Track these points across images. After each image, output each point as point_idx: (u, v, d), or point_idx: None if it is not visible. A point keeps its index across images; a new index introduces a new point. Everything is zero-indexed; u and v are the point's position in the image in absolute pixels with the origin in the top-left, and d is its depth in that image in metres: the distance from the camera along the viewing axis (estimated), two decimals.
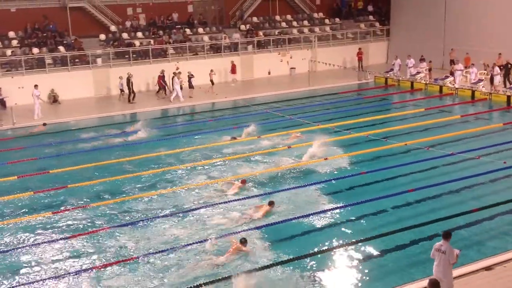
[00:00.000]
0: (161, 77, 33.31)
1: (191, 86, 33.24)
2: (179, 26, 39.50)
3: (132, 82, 32.12)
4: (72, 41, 35.68)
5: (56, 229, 15.54)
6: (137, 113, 29.99)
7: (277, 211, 15.94)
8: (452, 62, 34.07)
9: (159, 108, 31.25)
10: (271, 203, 16.04)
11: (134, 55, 35.89)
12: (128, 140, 24.58)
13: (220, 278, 12.34)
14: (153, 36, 38.17)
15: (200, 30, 40.05)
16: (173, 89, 32.25)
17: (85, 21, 37.36)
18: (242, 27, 41.28)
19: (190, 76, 33.33)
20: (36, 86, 29.24)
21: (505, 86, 30.63)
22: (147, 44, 37.01)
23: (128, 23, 38.69)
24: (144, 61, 35.97)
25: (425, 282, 10.03)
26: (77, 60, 34.70)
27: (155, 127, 26.53)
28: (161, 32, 38.43)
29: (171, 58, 36.46)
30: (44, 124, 27.26)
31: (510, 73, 31.01)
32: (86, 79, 33.87)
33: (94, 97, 33.71)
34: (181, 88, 32.07)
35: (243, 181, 18.12)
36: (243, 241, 13.57)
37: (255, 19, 42.59)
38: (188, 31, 39.37)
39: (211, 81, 34.30)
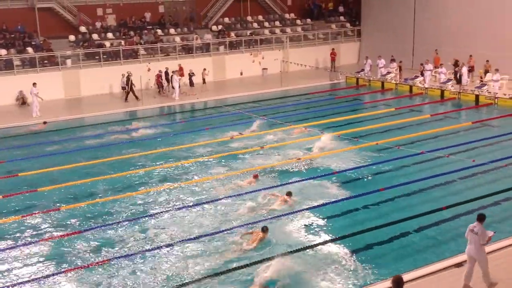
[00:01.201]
0: (159, 76, 33.70)
1: (191, 84, 33.75)
2: (150, 27, 39.21)
3: (132, 81, 32.13)
4: (41, 42, 35.10)
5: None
6: (103, 114, 29.65)
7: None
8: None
9: (127, 110, 31.01)
10: (288, 194, 16.67)
11: (104, 56, 35.48)
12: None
13: (248, 264, 12.93)
14: (123, 37, 37.80)
15: (172, 31, 39.81)
16: (172, 87, 32.69)
17: (54, 22, 36.82)
18: (214, 27, 41.18)
19: (191, 75, 33.83)
20: (34, 84, 29.14)
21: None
22: (118, 45, 36.63)
23: (98, 24, 38.25)
24: (115, 62, 35.59)
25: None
26: (46, 61, 34.12)
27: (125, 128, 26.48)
28: (132, 33, 38.08)
29: (142, 59, 36.15)
30: (45, 123, 27.25)
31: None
32: (56, 80, 33.33)
33: (64, 99, 33.16)
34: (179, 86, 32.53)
35: (256, 176, 18.61)
36: (265, 230, 14.21)
37: (226, 20, 42.53)
38: (159, 31, 39.11)
39: (204, 80, 34.42)
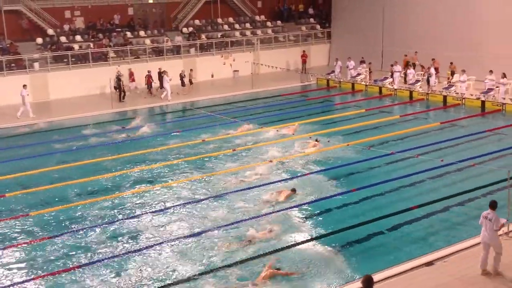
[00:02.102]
0: (150, 76, 33.86)
1: (183, 84, 34.24)
2: (120, 29, 38.85)
3: (122, 81, 32.51)
4: (8, 45, 34.44)
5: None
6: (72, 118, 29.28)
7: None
8: (414, 65, 34.50)
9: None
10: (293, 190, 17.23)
11: (73, 59, 35.02)
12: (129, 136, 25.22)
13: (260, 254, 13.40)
14: (92, 39, 37.37)
15: (142, 33, 39.51)
16: (162, 87, 33.00)
17: (21, 25, 36.17)
18: (184, 30, 41.01)
19: (183, 76, 34.30)
20: (24, 86, 29.22)
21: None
22: (87, 47, 36.19)
23: (66, 27, 37.73)
24: (84, 65, 35.16)
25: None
26: (13, 64, 33.51)
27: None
28: (100, 35, 37.67)
29: (112, 62, 35.78)
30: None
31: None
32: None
33: (33, 103, 32.48)
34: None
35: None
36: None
37: (197, 22, 42.40)
38: (129, 34, 38.78)
39: (190, 80, 34.51)
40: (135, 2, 41.07)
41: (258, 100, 32.78)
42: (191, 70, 34.96)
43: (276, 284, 12.23)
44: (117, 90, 32.59)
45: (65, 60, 34.82)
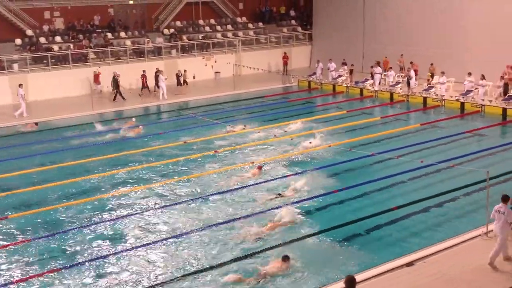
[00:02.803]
0: (145, 76, 34.13)
1: (179, 83, 34.79)
2: (100, 30, 38.55)
3: (118, 81, 32.63)
4: None
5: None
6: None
7: None
8: (402, 68, 34.78)
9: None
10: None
11: (53, 60, 34.67)
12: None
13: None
14: (72, 40, 37.04)
15: (122, 34, 39.27)
16: (158, 87, 33.38)
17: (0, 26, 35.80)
18: (166, 31, 40.85)
19: (179, 75, 34.79)
20: (20, 85, 29.46)
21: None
22: (66, 48, 35.86)
23: (45, 27, 37.35)
24: (64, 66, 34.83)
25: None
26: None
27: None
28: (81, 36, 37.36)
29: (92, 63, 35.50)
30: (36, 124, 27.67)
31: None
32: (2, 85, 32.29)
33: (12, 104, 32.10)
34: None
35: (260, 167, 19.54)
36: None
37: (178, 23, 42.26)
38: (109, 35, 38.51)
39: (185, 81, 35.05)
40: (115, 3, 40.80)
41: (240, 102, 32.76)
42: (184, 70, 35.36)
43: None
44: (114, 90, 32.79)
45: (45, 61, 34.47)
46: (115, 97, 32.75)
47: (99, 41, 37.20)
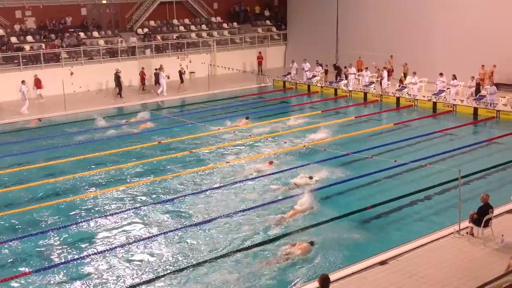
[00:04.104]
0: (143, 73, 34.94)
1: (182, 80, 35.36)
2: (72, 30, 38.07)
3: (120, 77, 33.34)
4: None
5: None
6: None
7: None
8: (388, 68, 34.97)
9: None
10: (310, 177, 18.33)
11: (24, 60, 34.13)
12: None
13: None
14: (44, 40, 36.51)
15: (95, 34, 38.85)
16: (159, 84, 34.19)
17: None
18: (139, 31, 40.53)
19: (182, 72, 35.48)
20: (23, 82, 29.88)
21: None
22: (38, 48, 35.33)
23: (17, 27, 36.73)
24: (35, 66, 34.31)
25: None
26: None
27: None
28: (53, 36, 36.84)
29: (64, 63, 35.05)
30: (40, 120, 28.30)
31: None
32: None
33: None
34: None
35: (271, 162, 20.09)
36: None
37: (152, 23, 41.97)
38: (82, 34, 38.06)
39: (181, 77, 35.50)
40: (88, 2, 40.32)
41: (215, 102, 32.71)
42: (180, 65, 36.01)
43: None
44: (116, 86, 33.34)
45: (16, 61, 33.91)
46: (120, 93, 33.39)
47: (72, 40, 36.73)
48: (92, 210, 16.78)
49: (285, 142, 22.84)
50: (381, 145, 22.21)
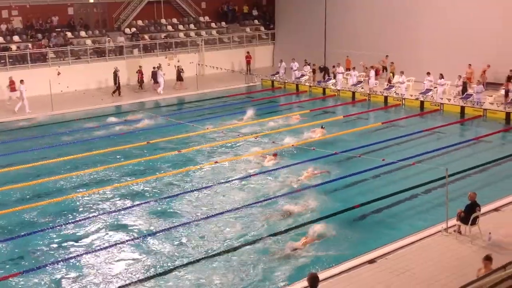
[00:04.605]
0: (141, 72, 35.24)
1: (180, 78, 35.57)
2: (59, 29, 37.81)
3: (119, 76, 33.45)
4: None
5: None
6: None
7: None
8: (385, 68, 34.79)
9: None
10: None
11: (10, 60, 33.85)
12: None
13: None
14: (31, 39, 36.23)
15: (82, 33, 38.62)
16: (157, 82, 34.49)
17: None
18: (127, 30, 40.36)
19: (180, 70, 35.62)
20: (21, 81, 29.64)
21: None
22: (25, 48, 35.07)
23: (3, 26, 36.42)
24: (22, 66, 34.05)
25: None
26: None
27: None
28: (39, 36, 36.57)
29: (51, 63, 34.81)
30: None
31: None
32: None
33: None
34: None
35: (275, 155, 20.71)
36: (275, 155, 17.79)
37: (140, 22, 41.80)
38: (69, 34, 37.82)
39: (179, 75, 35.70)
40: (75, 1, 40.05)
41: (203, 101, 32.69)
42: (178, 67, 36.10)
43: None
44: (115, 85, 33.59)
45: (3, 61, 33.64)
46: (119, 91, 33.57)
47: (59, 40, 36.50)
48: (80, 211, 16.71)
49: (273, 142, 22.86)
50: (369, 144, 22.30)
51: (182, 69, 35.88)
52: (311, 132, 24.28)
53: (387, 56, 34.24)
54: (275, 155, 20.68)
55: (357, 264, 12.65)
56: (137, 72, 35.39)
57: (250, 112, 27.82)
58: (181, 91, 35.13)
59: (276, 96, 34.48)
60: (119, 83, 33.62)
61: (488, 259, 10.45)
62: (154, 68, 35.12)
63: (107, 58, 37.03)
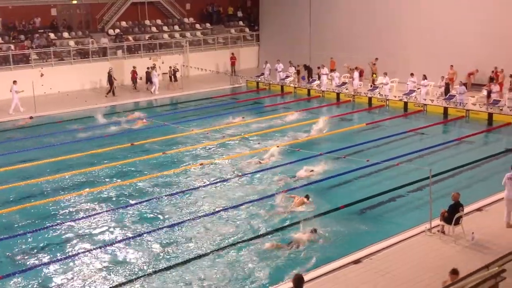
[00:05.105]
0: (135, 72, 35.45)
1: (175, 79, 36.01)
2: (42, 31, 37.49)
3: (113, 76, 33.85)
4: None
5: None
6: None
7: None
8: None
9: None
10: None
11: None
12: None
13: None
14: (13, 41, 35.86)
15: (65, 34, 38.32)
16: (151, 82, 34.84)
17: None
18: (111, 31, 40.12)
19: (176, 70, 36.17)
20: (14, 82, 29.66)
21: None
22: (7, 49, 34.71)
23: None
24: (4, 67, 33.70)
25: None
26: None
27: None
28: (22, 37, 36.22)
29: (34, 64, 34.51)
30: (31, 117, 28.56)
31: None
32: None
33: None
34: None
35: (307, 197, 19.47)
36: (307, 197, 16.53)
37: (123, 23, 41.58)
38: (52, 35, 37.51)
39: (175, 76, 36.16)
40: (58, 2, 39.74)
41: (189, 103, 32.62)
42: (170, 67, 36.40)
43: None
44: (108, 85, 33.92)
45: None
46: (113, 91, 33.82)
47: (42, 41, 36.19)
48: (64, 213, 16.57)
49: (258, 143, 22.85)
50: (354, 145, 22.41)
51: (177, 69, 36.20)
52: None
53: (376, 58, 34.36)
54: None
55: (343, 264, 12.68)
56: (131, 73, 35.50)
57: (235, 114, 27.78)
58: (175, 91, 35.30)
59: (261, 97, 34.51)
60: (113, 83, 33.81)
61: (455, 273, 10.30)
62: (148, 68, 35.33)
63: (91, 59, 36.80)
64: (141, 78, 35.92)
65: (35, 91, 30.30)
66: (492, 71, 29.38)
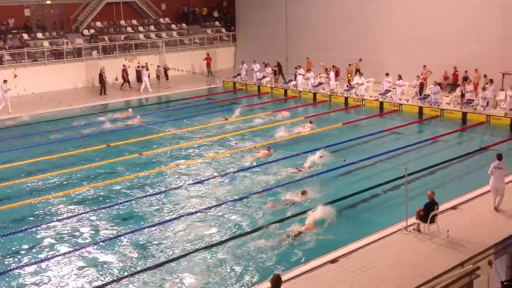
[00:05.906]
0: (125, 71, 35.49)
1: (167, 77, 36.94)
2: (15, 31, 36.91)
3: (104, 76, 34.16)
4: None
5: None
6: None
7: None
8: (358, 71, 34.39)
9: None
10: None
11: None
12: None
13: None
14: None
15: (39, 35, 37.80)
16: (141, 81, 34.94)
17: None
18: (85, 32, 39.69)
19: (167, 69, 36.97)
20: (5, 81, 29.69)
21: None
22: None
23: None
24: None
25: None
26: None
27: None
28: None
29: (7, 65, 33.97)
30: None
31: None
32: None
33: None
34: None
35: (268, 148, 21.34)
36: (304, 192, 16.93)
37: (98, 24, 41.18)
38: (25, 36, 36.96)
39: (166, 75, 37.02)
40: (32, 3, 39.17)
41: (166, 103, 32.45)
42: (158, 66, 36.98)
43: None
44: (100, 84, 34.31)
45: None
46: (104, 90, 34.16)
47: (15, 42, 35.63)
48: (39, 216, 16.40)
49: (235, 143, 22.84)
50: (331, 145, 22.49)
51: (169, 68, 36.73)
52: (300, 127, 25.13)
53: (360, 59, 34.42)
54: (268, 148, 21.24)
55: (319, 264, 12.71)
56: (122, 71, 35.65)
57: (211, 114, 27.71)
58: (168, 90, 35.61)
59: (238, 97, 34.46)
60: (104, 82, 34.00)
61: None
62: (138, 67, 35.49)
63: (65, 60, 36.37)
64: (116, 79, 35.69)
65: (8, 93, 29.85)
66: (466, 71, 29.77)
